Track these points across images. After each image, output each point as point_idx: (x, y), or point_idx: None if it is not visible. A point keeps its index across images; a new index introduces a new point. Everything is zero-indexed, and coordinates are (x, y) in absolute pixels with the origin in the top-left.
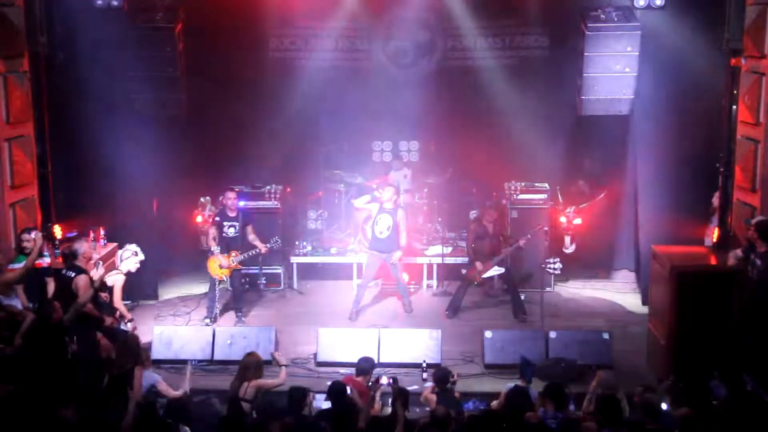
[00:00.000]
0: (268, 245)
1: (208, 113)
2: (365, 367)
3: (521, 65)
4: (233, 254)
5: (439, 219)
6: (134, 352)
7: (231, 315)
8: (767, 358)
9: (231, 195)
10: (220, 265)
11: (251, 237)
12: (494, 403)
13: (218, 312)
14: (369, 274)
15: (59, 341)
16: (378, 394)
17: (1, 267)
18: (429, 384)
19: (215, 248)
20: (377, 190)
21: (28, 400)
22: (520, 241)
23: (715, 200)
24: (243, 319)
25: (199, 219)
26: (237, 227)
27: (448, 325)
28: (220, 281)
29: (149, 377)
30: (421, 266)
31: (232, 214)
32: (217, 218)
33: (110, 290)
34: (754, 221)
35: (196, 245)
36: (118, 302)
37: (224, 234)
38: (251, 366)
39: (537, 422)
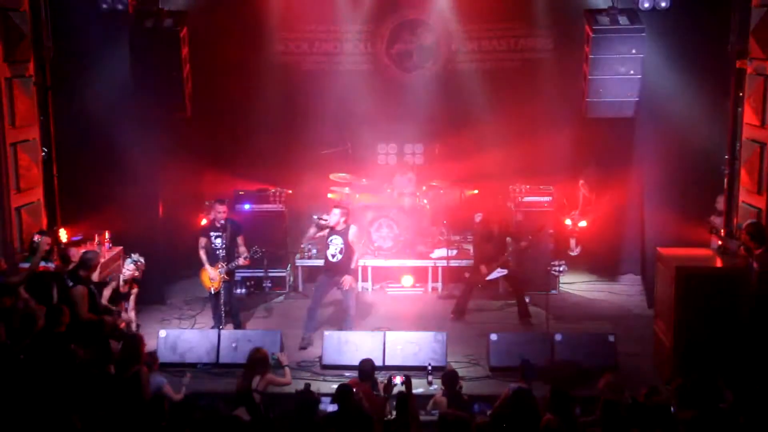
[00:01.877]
0: (246, 256)
1: (213, 117)
2: (366, 369)
3: (526, 68)
4: (219, 265)
5: (444, 221)
6: (136, 352)
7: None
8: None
9: (221, 208)
10: (210, 277)
11: (242, 249)
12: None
13: (223, 317)
14: (319, 297)
15: (66, 346)
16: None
17: (4, 271)
18: (435, 387)
19: (204, 260)
20: (321, 218)
21: (33, 403)
22: (521, 243)
23: (721, 203)
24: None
25: (203, 222)
26: (223, 238)
27: (453, 327)
28: (216, 292)
29: (156, 380)
30: (426, 269)
31: (218, 225)
32: (204, 230)
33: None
34: (744, 225)
35: None
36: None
37: (212, 245)
38: (259, 360)
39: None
